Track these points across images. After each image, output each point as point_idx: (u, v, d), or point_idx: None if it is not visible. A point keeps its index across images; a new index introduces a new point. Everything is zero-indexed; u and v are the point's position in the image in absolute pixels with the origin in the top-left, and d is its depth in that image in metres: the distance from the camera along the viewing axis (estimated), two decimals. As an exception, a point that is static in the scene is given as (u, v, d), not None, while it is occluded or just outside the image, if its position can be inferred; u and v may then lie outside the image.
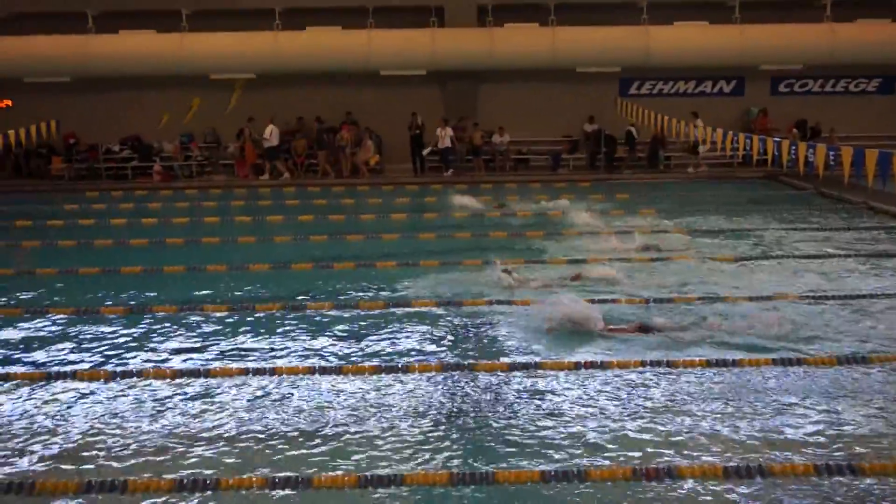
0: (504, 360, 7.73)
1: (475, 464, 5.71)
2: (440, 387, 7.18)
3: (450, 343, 8.41)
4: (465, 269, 11.38)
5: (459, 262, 11.80)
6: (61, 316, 9.55)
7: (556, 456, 5.80)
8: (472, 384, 7.21)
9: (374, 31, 23.61)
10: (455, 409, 6.68)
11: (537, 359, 7.71)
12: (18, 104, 24.59)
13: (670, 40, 23.68)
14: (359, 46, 23.44)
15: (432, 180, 22.94)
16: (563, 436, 6.14)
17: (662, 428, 6.22)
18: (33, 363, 8.02)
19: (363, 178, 23.34)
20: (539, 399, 6.83)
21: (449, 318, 9.17)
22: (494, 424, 6.38)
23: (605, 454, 5.83)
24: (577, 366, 7.43)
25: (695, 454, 5.79)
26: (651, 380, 7.15)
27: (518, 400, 6.84)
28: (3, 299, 10.50)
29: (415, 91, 24.39)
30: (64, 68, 23.48)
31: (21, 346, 8.57)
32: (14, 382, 7.44)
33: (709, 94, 25.40)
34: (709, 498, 5.24)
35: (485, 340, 8.46)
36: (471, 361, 7.68)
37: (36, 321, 9.42)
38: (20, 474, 5.69)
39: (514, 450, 5.93)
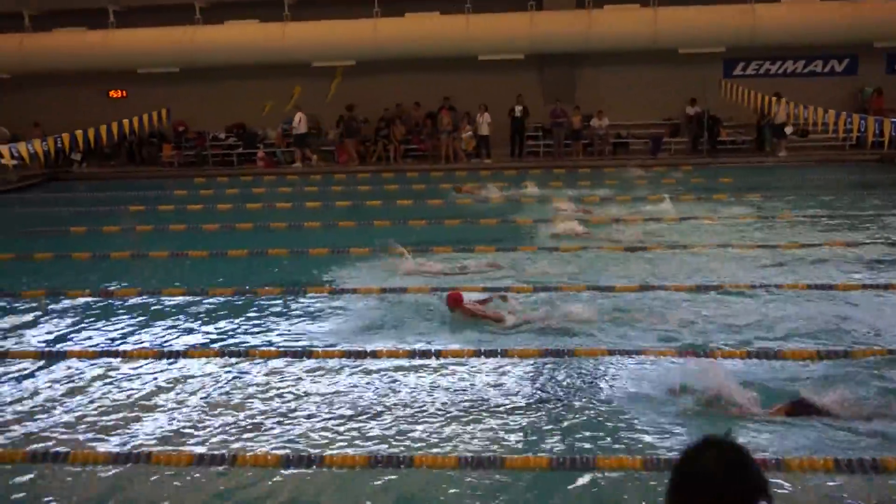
0: (602, 346, 7.65)
1: (575, 448, 5.71)
2: (538, 371, 7.18)
3: (541, 328, 8.32)
4: (562, 254, 11.33)
5: (557, 247, 11.76)
6: (173, 297, 9.97)
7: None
8: (569, 369, 7.17)
9: (473, 15, 23.54)
10: (553, 395, 6.67)
11: (640, 344, 7.61)
12: (132, 95, 25.67)
13: (777, 18, 22.70)
14: (457, 31, 23.44)
15: (531, 164, 22.84)
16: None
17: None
18: (148, 342, 8.40)
19: (461, 162, 23.44)
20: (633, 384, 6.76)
21: (540, 305, 9.08)
22: (593, 410, 6.34)
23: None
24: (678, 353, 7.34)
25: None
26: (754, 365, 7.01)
27: (615, 385, 6.78)
28: (121, 281, 11.00)
29: (512, 75, 24.23)
30: (173, 59, 24.32)
31: (137, 326, 8.98)
32: (131, 359, 7.81)
33: (819, 73, 24.32)
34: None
35: (579, 326, 8.34)
36: (569, 347, 7.63)
37: (150, 301, 9.86)
38: (137, 446, 5.98)
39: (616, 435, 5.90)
